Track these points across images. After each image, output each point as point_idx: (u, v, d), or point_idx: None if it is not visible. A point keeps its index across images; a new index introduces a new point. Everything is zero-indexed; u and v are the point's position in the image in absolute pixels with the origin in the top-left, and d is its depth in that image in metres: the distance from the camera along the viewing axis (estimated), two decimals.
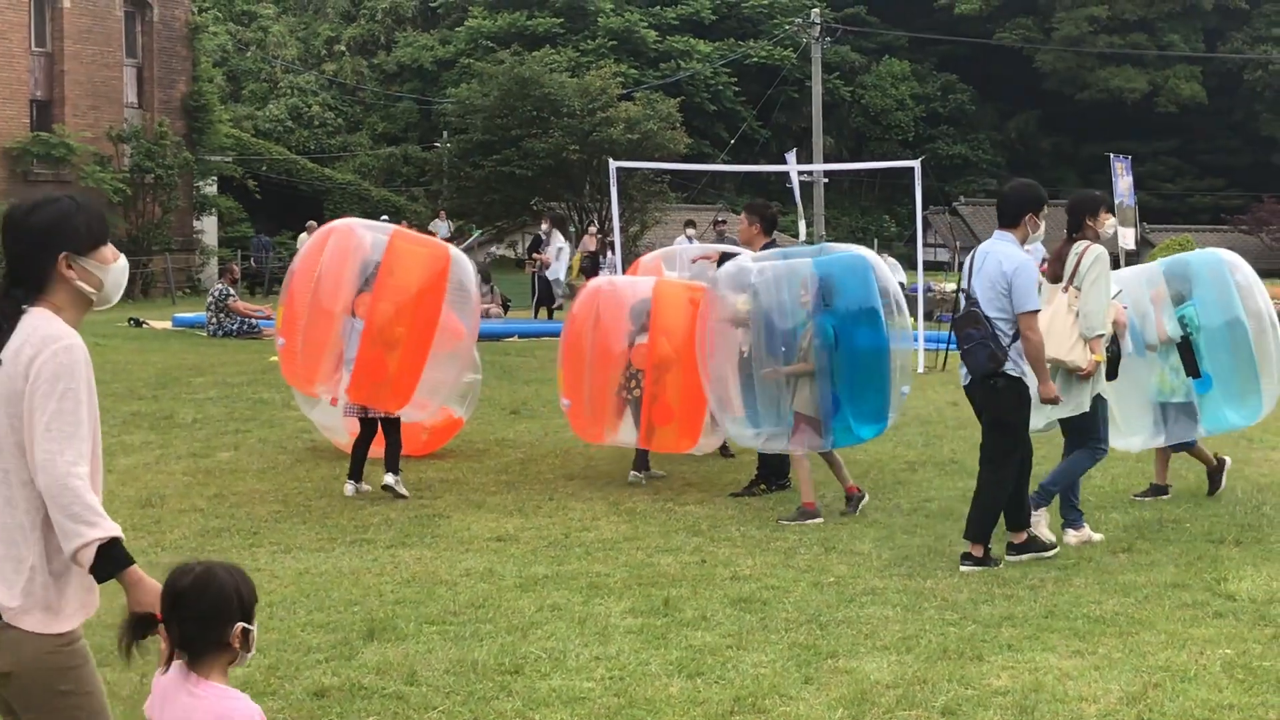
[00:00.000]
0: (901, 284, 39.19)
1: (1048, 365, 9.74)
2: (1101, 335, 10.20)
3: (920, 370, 21.96)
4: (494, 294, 31.57)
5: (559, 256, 32.71)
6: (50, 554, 4.31)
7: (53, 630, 4.31)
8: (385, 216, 43.61)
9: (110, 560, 4.21)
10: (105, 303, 4.51)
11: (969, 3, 70.13)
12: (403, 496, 12.05)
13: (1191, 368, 11.63)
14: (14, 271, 4.41)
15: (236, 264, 40.87)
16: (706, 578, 9.36)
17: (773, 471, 12.56)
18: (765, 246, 12.44)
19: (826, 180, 52.97)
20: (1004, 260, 9.58)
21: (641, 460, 13.16)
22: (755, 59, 64.46)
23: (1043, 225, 9.93)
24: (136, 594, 4.26)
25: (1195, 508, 11.64)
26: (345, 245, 12.84)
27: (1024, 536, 9.89)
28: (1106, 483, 12.81)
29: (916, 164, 23.40)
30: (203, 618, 4.05)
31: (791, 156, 36.61)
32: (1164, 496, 12.03)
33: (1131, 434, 11.86)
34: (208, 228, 47.34)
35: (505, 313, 32.05)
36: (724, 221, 31.86)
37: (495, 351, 22.65)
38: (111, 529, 4.20)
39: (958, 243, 53.12)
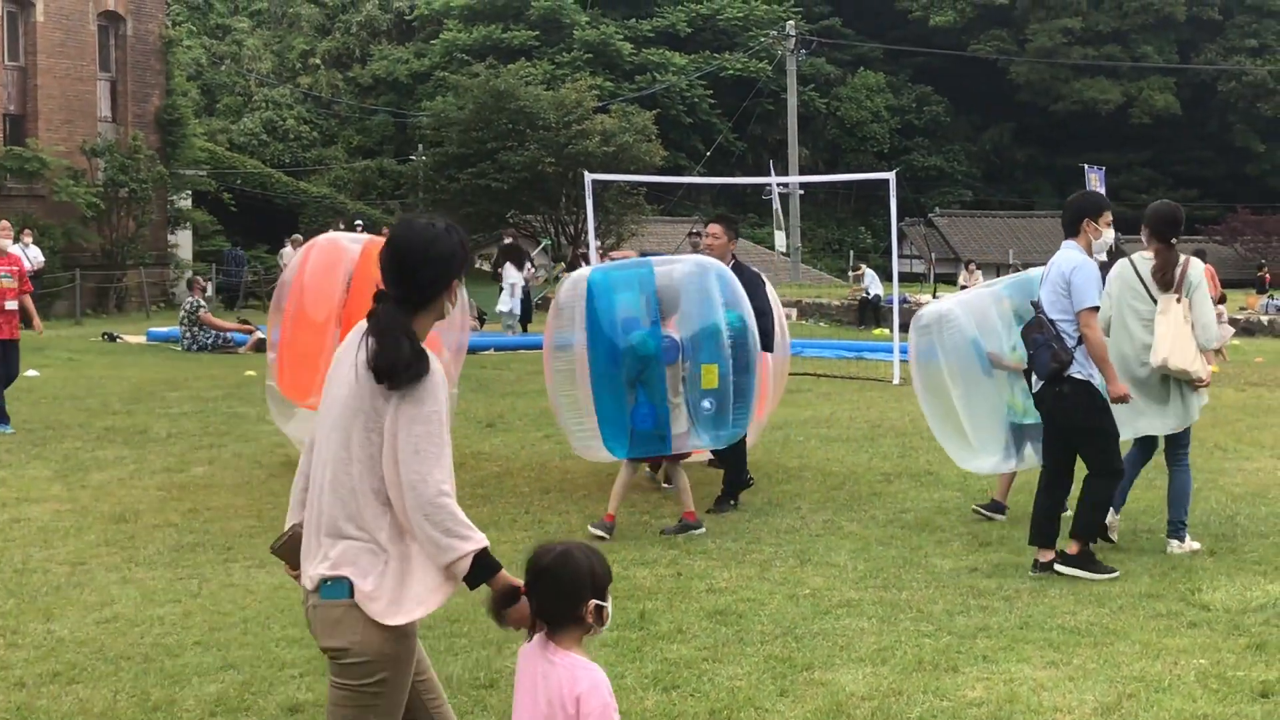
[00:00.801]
0: (878, 295, 39.42)
1: (1170, 372, 10.11)
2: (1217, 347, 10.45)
3: (895, 382, 22.00)
4: (470, 306, 31.51)
5: (512, 293, 32.90)
6: (399, 553, 4.61)
7: (392, 621, 4.58)
8: (360, 223, 43.56)
9: (482, 568, 4.61)
10: (440, 321, 4.88)
11: (943, 15, 70.32)
12: None
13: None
14: (403, 290, 4.70)
15: (204, 278, 40.73)
16: (682, 590, 9.35)
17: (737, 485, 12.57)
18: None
19: (802, 192, 53.08)
20: (1064, 263, 9.82)
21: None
22: (731, 71, 64.55)
23: (1107, 232, 10.04)
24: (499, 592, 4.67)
25: None
26: (329, 258, 12.90)
27: (1050, 555, 9.85)
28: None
29: (891, 176, 23.43)
30: (560, 593, 4.52)
31: (773, 168, 36.71)
32: (1000, 517, 11.79)
33: (983, 455, 11.74)
34: (182, 242, 47.19)
35: (480, 325, 32.04)
36: (698, 233, 31.86)
37: (471, 365, 22.63)
38: (481, 540, 4.60)
39: (933, 254, 53.30)
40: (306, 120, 62.54)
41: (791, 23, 54.43)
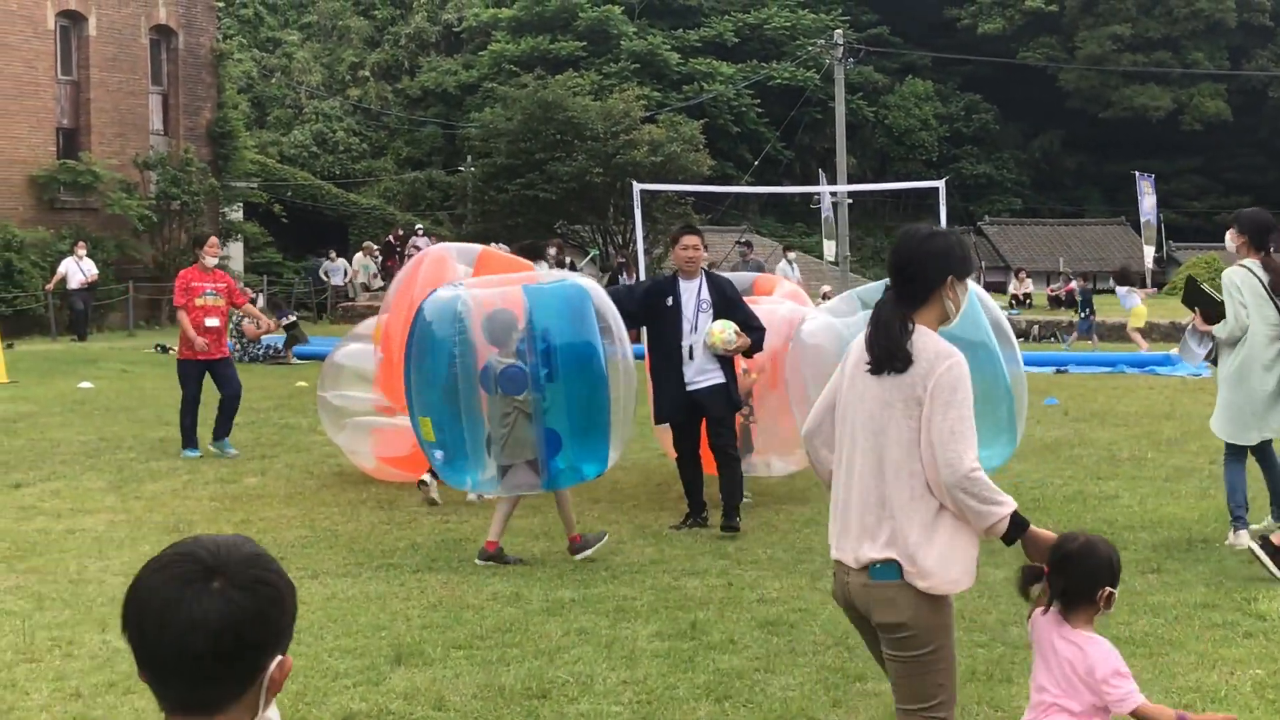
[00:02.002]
0: None
1: None
2: None
3: None
4: None
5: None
6: (940, 529, 4.99)
7: (942, 592, 5.05)
8: (420, 228, 43.74)
9: (1014, 526, 4.95)
10: (947, 325, 5.18)
11: (992, 22, 70.00)
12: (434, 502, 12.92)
13: None
14: (903, 289, 5.14)
15: (253, 289, 40.94)
16: (733, 600, 9.35)
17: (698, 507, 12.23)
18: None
19: (851, 201, 52.94)
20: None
21: None
22: (778, 80, 64.44)
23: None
24: (1030, 548, 5.06)
25: (1225, 527, 11.56)
26: (439, 270, 13.26)
27: None
28: (1135, 502, 12.76)
29: (941, 184, 23.41)
30: (1081, 577, 4.98)
31: (823, 177, 36.67)
32: None
33: None
34: (234, 254, 47.43)
35: None
36: (748, 243, 31.88)
37: None
38: (1013, 503, 4.93)
39: (983, 263, 53.10)
40: (356, 132, 62.76)
41: (839, 31, 54.26)
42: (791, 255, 33.40)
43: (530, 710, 7.13)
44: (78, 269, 32.38)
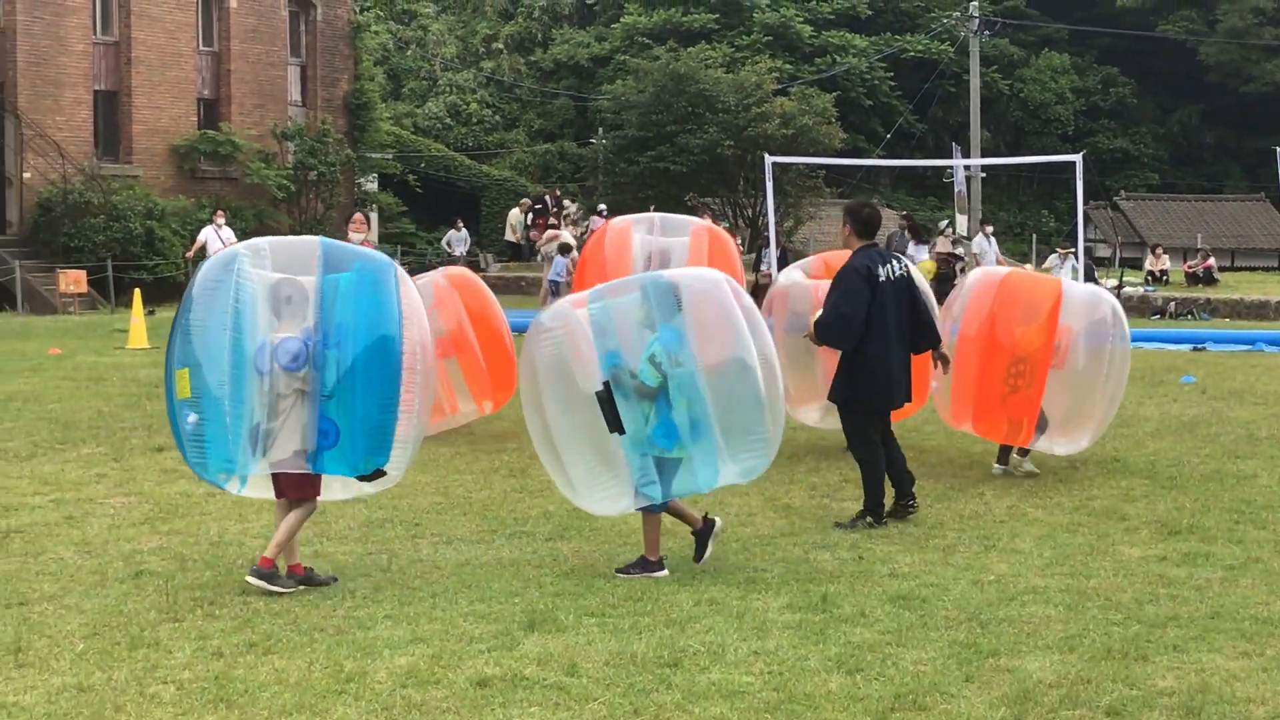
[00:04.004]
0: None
1: None
2: None
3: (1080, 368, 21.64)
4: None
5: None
6: None
7: None
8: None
9: None
10: None
11: None
12: None
13: (613, 421, 9.16)
14: None
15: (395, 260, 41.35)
16: (864, 574, 9.34)
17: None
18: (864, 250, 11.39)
19: (984, 175, 52.40)
20: None
21: (1004, 452, 13.26)
22: (912, 53, 63.92)
23: None
24: None
25: None
26: (623, 238, 13.49)
27: None
28: (1274, 482, 12.57)
29: (1078, 158, 23.10)
30: None
31: (957, 150, 36.33)
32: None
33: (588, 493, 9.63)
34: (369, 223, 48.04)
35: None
36: (908, 217, 31.67)
37: None
38: None
39: (1119, 238, 52.30)
40: (489, 104, 63.15)
41: (975, 3, 53.69)
42: (989, 229, 33.38)
43: (662, 678, 7.19)
44: (217, 237, 32.83)
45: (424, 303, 9.71)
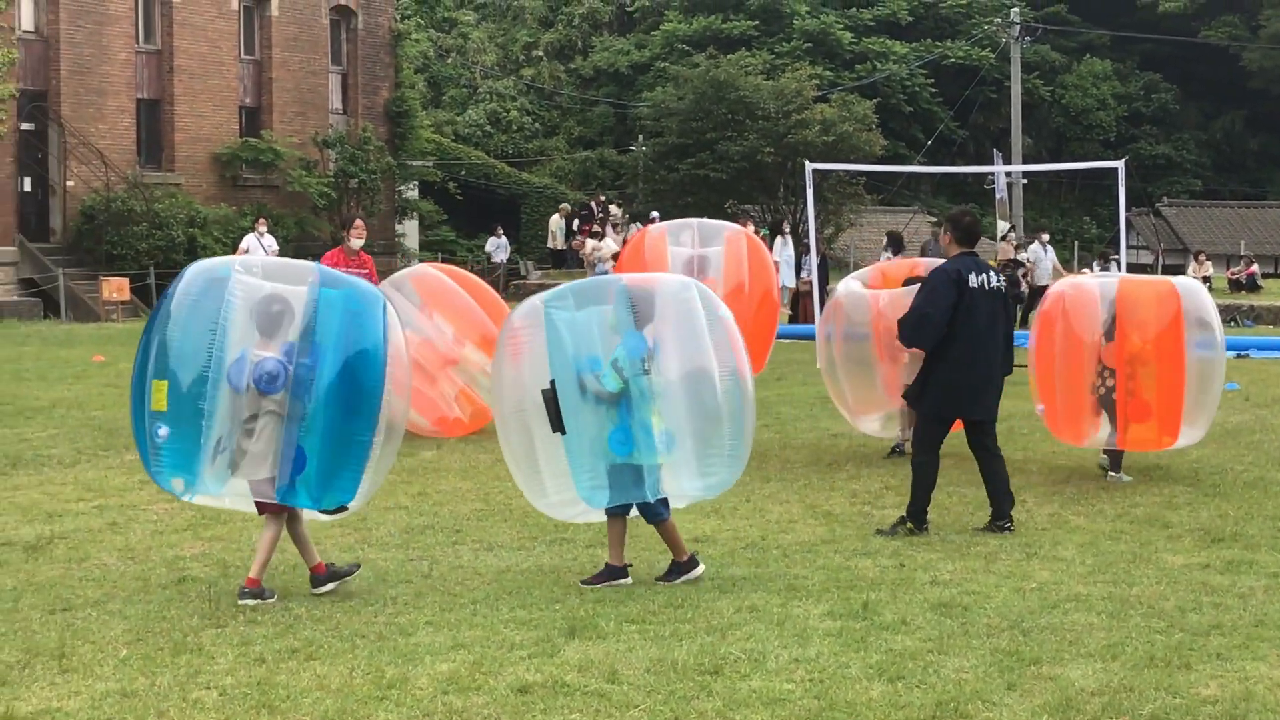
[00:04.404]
0: None
1: None
2: None
3: None
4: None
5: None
6: None
7: None
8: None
9: None
10: None
11: (1173, 0, 68.56)
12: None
13: (555, 421, 9.09)
14: None
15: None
16: (905, 582, 9.31)
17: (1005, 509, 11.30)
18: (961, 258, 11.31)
19: (1025, 181, 52.20)
20: None
21: (1116, 460, 13.21)
22: (953, 59, 63.75)
23: None
24: None
25: None
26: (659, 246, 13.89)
27: None
28: None
29: (1120, 164, 22.91)
30: None
31: (998, 157, 36.17)
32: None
33: (560, 491, 9.42)
34: (409, 231, 48.19)
35: None
36: (940, 223, 31.53)
37: None
38: None
39: (1161, 245, 52.07)
40: (529, 112, 63.26)
41: (1016, 10, 53.52)
42: (1045, 237, 33.36)
43: (703, 685, 7.18)
44: (259, 245, 32.94)
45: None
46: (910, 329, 11.14)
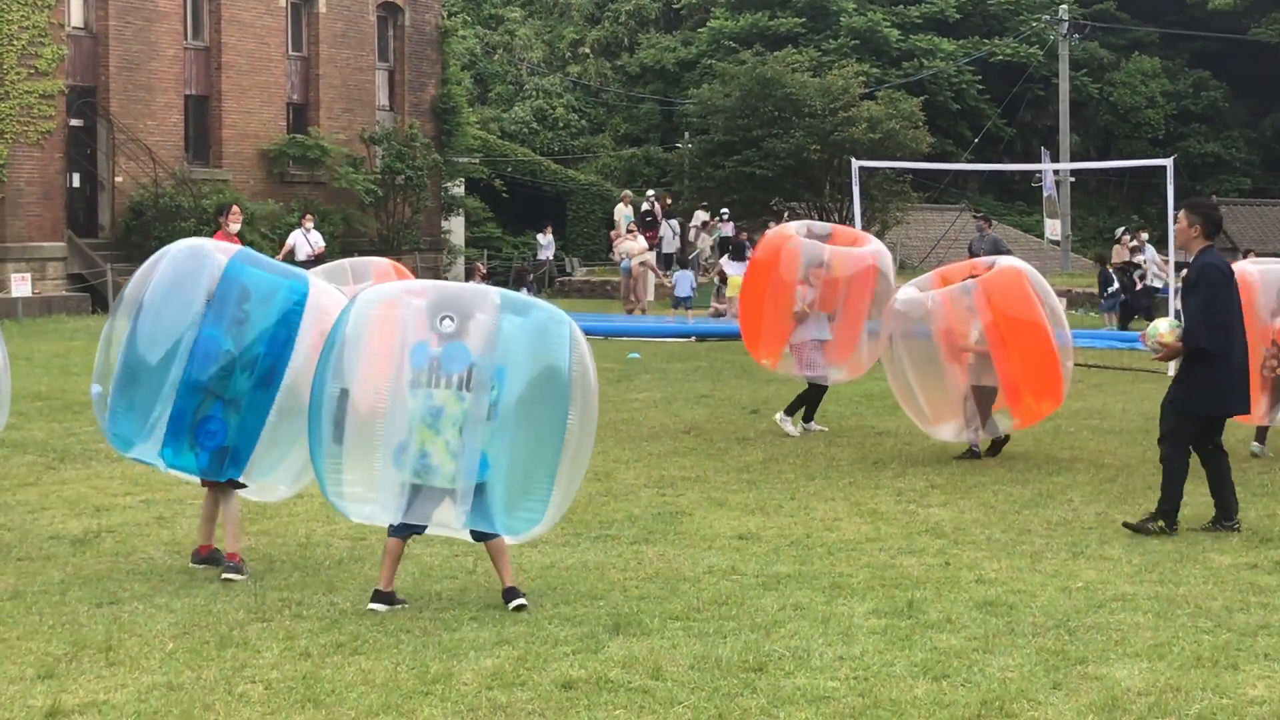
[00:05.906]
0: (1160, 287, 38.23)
1: None
2: None
3: (1171, 373, 21.43)
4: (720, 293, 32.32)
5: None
6: None
7: None
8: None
9: None
10: None
11: None
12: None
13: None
14: None
15: (482, 263, 41.79)
16: (951, 580, 9.28)
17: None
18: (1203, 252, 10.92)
19: (1073, 179, 51.92)
20: None
21: (1261, 433, 14.24)
22: (1000, 57, 63.45)
23: None
24: None
25: None
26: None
27: None
28: None
29: (1169, 163, 22.78)
30: None
31: (1045, 154, 35.99)
32: None
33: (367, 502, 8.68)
34: (455, 228, 48.29)
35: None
36: (986, 218, 31.40)
37: (735, 350, 22.63)
38: None
39: None
40: (575, 109, 63.31)
41: (1065, 6, 53.26)
42: (1144, 236, 33.35)
43: (747, 682, 7.18)
44: (305, 241, 33.13)
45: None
46: (1219, 332, 10.66)
